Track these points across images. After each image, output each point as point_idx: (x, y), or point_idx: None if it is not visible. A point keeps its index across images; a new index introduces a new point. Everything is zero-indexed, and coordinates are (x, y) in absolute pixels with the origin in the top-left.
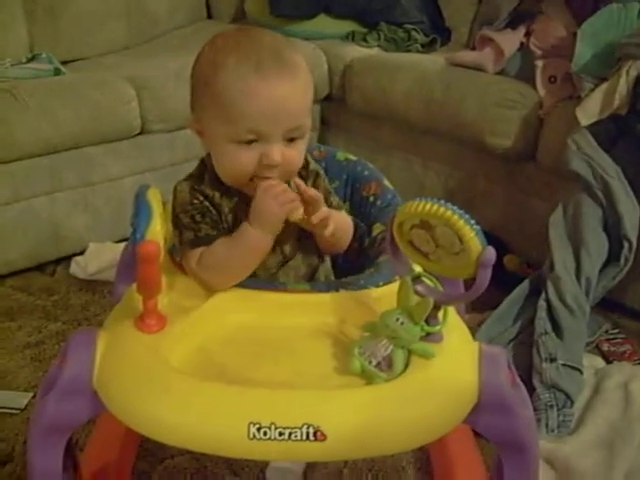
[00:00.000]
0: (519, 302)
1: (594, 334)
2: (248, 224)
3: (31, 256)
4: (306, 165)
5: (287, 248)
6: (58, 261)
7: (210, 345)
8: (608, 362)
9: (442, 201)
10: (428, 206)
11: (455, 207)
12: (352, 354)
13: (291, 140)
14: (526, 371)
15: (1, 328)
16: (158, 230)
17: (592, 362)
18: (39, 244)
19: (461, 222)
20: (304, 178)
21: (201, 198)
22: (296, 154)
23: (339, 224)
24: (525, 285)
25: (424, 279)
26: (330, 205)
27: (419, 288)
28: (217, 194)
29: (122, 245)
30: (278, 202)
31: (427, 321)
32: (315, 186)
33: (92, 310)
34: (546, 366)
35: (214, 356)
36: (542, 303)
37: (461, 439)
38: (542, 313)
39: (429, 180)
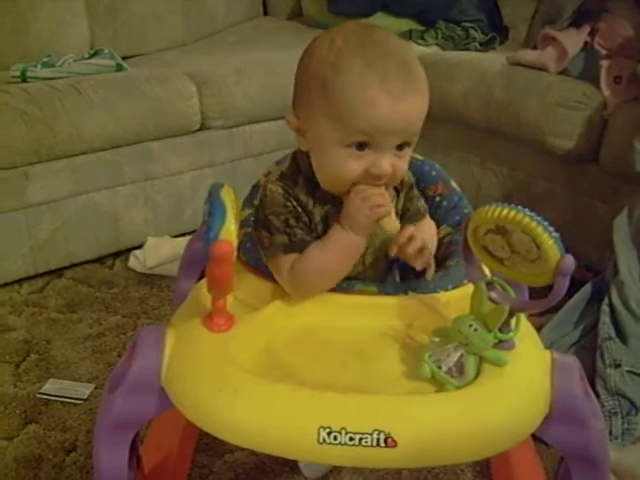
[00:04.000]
0: (580, 306)
1: None
2: (339, 226)
3: (91, 249)
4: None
5: (369, 258)
6: (117, 254)
7: (277, 346)
8: None
9: (519, 207)
10: (505, 212)
11: (533, 213)
12: (422, 359)
13: (401, 149)
14: (588, 376)
15: (63, 319)
16: (232, 230)
17: None
18: (100, 237)
19: (539, 229)
20: (398, 191)
21: (294, 203)
22: (403, 164)
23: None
24: (587, 289)
25: (497, 285)
26: (417, 210)
27: (493, 294)
28: (311, 201)
29: (180, 240)
30: (368, 204)
31: (500, 328)
32: (408, 198)
33: (150, 304)
34: (610, 372)
35: (281, 357)
36: (605, 308)
37: (521, 445)
38: (606, 318)
39: (486, 180)
